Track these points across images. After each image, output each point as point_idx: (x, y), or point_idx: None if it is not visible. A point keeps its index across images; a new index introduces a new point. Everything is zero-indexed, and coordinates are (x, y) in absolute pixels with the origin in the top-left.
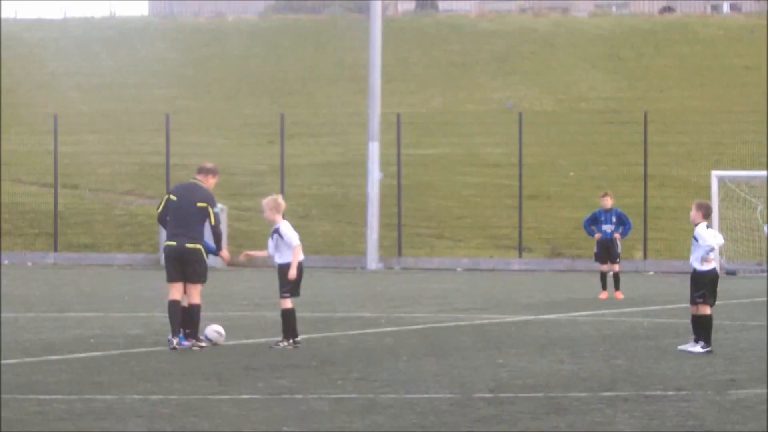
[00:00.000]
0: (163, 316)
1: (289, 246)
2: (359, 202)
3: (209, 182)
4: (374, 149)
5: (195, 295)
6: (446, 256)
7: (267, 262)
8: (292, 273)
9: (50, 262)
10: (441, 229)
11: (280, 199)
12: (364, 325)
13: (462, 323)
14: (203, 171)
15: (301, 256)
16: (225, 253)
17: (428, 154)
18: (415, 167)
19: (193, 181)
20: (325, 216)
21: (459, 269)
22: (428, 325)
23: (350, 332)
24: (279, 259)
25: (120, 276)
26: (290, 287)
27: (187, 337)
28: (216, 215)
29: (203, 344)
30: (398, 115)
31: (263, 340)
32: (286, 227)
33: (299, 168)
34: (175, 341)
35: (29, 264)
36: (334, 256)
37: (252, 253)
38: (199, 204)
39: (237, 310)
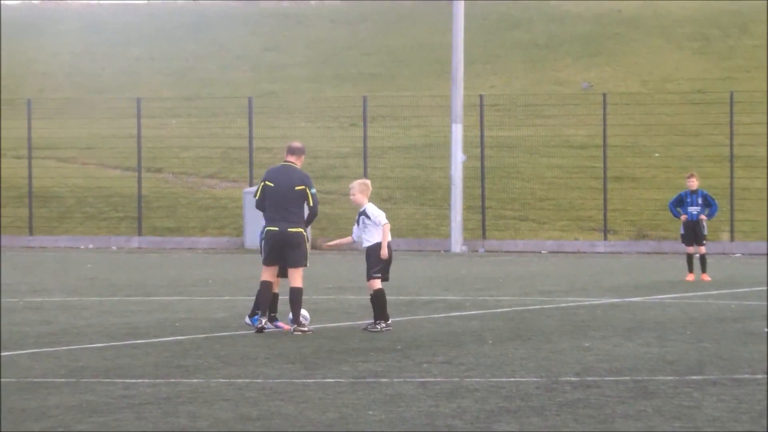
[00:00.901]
0: (247, 299)
1: (377, 225)
2: (443, 185)
3: (300, 161)
4: (457, 131)
5: (298, 278)
6: (530, 239)
7: (352, 246)
8: (384, 251)
9: (135, 246)
10: (525, 212)
11: (369, 182)
12: (448, 309)
13: (547, 306)
14: (294, 151)
15: (389, 237)
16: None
17: (511, 135)
18: (499, 149)
19: (285, 164)
20: (409, 199)
21: (543, 252)
22: (513, 309)
23: (435, 316)
24: (367, 241)
25: (204, 259)
26: (380, 268)
27: (272, 321)
28: (314, 196)
29: (305, 329)
30: (481, 97)
31: (347, 323)
32: (372, 208)
33: (382, 151)
34: (264, 321)
35: (113, 248)
36: (417, 239)
37: (333, 243)
38: (298, 187)
39: (321, 294)
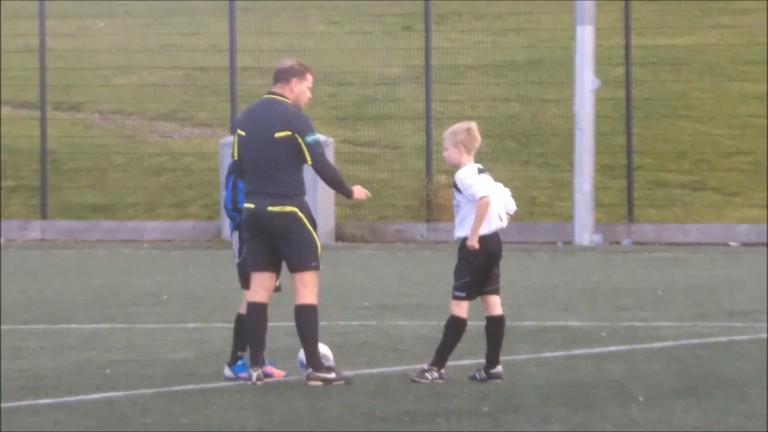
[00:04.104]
0: (226, 328)
1: (470, 200)
2: (560, 130)
3: (297, 93)
4: (586, 38)
5: (307, 290)
6: (710, 222)
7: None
8: (472, 241)
9: (35, 237)
10: (701, 176)
11: (474, 128)
12: (570, 342)
13: (738, 338)
14: (282, 76)
15: (494, 221)
16: (360, 190)
17: (677, 45)
18: (656, 68)
19: (268, 97)
20: (503, 154)
21: (733, 244)
22: (680, 343)
23: (546, 354)
24: (459, 230)
25: (154, 259)
26: (467, 282)
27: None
28: (312, 146)
29: (328, 375)
30: None
31: (398, 368)
32: (465, 172)
33: (456, 72)
34: (257, 370)
35: None
36: (517, 224)
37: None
38: (279, 134)
39: (352, 317)
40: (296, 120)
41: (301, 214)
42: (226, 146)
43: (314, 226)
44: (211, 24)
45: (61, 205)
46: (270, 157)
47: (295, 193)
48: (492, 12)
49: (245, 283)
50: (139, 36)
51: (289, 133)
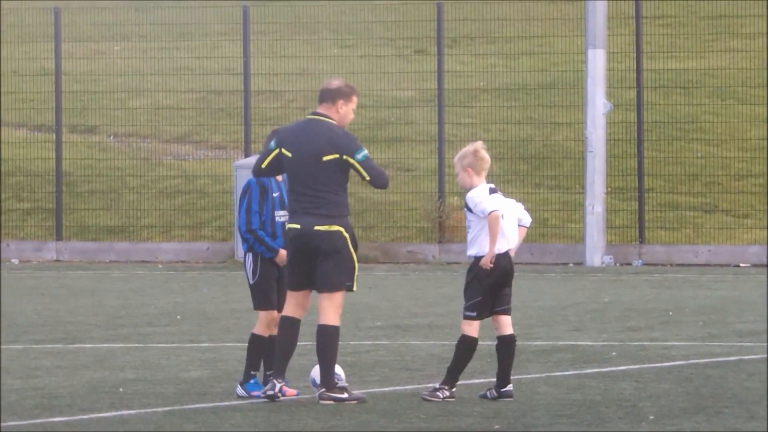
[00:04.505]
0: (239, 348)
1: (480, 219)
2: (572, 153)
3: (341, 114)
4: (598, 62)
5: (332, 311)
6: (721, 243)
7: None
8: (487, 260)
9: (50, 259)
10: (712, 198)
11: (480, 149)
12: (581, 362)
13: (748, 358)
14: (329, 96)
15: (506, 240)
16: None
17: (689, 69)
18: (667, 92)
19: (312, 118)
20: (515, 176)
21: (744, 265)
22: (691, 362)
23: (557, 374)
24: (470, 249)
25: (168, 279)
26: (478, 302)
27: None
28: (365, 163)
29: (340, 395)
30: (637, 4)
31: (410, 387)
32: (477, 192)
33: (469, 95)
34: (278, 385)
35: (14, 261)
36: (529, 245)
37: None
38: (327, 157)
39: (365, 338)
40: (344, 141)
41: (346, 234)
42: (241, 168)
43: (356, 247)
44: (225, 47)
45: (76, 226)
46: (318, 179)
47: (341, 213)
48: (504, 35)
49: (259, 304)
50: (153, 59)
51: (337, 156)
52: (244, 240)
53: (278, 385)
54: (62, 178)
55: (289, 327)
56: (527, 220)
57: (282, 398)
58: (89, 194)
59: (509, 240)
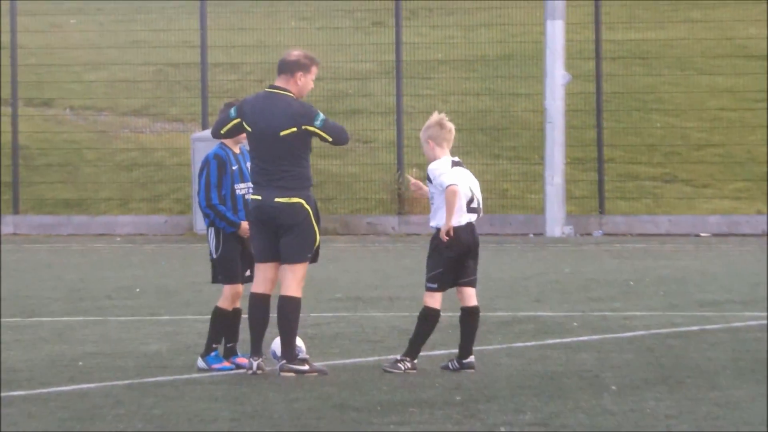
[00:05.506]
0: (200, 320)
1: (441, 192)
2: (531, 124)
3: (300, 85)
4: (556, 33)
5: (293, 282)
6: (681, 213)
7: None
8: (443, 233)
9: (8, 232)
10: (672, 168)
11: (444, 120)
12: (542, 333)
13: (710, 328)
14: (287, 68)
15: (463, 213)
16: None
17: (647, 39)
18: (626, 62)
19: (270, 91)
20: (474, 147)
21: (704, 234)
22: (652, 332)
23: (518, 344)
24: (432, 220)
25: (126, 253)
26: (439, 273)
27: (228, 356)
28: (326, 126)
29: (301, 367)
30: None
31: (371, 359)
32: (439, 164)
33: (428, 67)
34: (256, 360)
35: None
36: (490, 216)
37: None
38: (284, 132)
39: (326, 309)
40: (300, 111)
41: (307, 206)
42: (198, 141)
43: (318, 219)
44: (182, 20)
45: (33, 200)
46: (278, 154)
47: (303, 185)
48: (462, 7)
49: (224, 278)
50: (110, 32)
51: (296, 129)
52: (205, 215)
53: (255, 363)
54: (19, 152)
55: (260, 303)
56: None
57: (240, 371)
58: (46, 167)
59: (472, 213)
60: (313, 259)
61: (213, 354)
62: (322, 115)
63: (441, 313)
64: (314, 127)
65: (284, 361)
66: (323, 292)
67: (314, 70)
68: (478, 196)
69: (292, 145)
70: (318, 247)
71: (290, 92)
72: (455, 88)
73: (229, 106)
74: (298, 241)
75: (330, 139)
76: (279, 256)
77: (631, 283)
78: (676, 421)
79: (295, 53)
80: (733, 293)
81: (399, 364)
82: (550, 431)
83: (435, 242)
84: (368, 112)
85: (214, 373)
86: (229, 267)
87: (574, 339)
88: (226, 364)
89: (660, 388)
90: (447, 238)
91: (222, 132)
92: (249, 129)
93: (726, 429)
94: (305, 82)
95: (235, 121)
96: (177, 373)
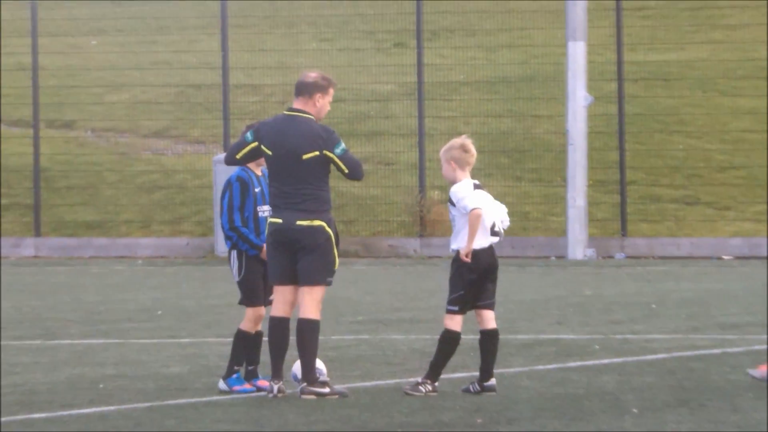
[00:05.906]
0: (222, 343)
1: (462, 215)
2: (553, 146)
3: (318, 107)
4: (578, 54)
5: (312, 305)
6: (703, 236)
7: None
8: (462, 255)
9: (28, 255)
10: (694, 190)
11: (468, 144)
12: (563, 355)
13: (732, 351)
14: (305, 90)
15: (486, 235)
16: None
17: (670, 60)
18: (648, 84)
19: (289, 114)
20: (496, 169)
21: (726, 257)
22: (673, 355)
23: (539, 367)
24: (453, 243)
25: (147, 275)
26: (460, 296)
27: (249, 378)
28: (344, 157)
29: (322, 390)
30: None
31: (391, 382)
32: (461, 186)
33: (449, 89)
34: (277, 383)
35: None
36: (510, 238)
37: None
38: (306, 155)
39: (346, 332)
40: (323, 136)
41: (329, 229)
42: (220, 163)
43: (338, 242)
44: (203, 41)
45: (54, 222)
46: (299, 176)
47: (323, 208)
48: (484, 28)
49: (246, 300)
50: (131, 53)
51: (318, 153)
52: (228, 238)
53: (275, 387)
54: (40, 174)
55: (280, 326)
56: (506, 223)
57: (261, 394)
58: (67, 190)
59: (493, 236)
60: (330, 282)
61: (234, 376)
62: (343, 144)
63: (462, 336)
64: (334, 154)
65: (305, 384)
66: (344, 314)
67: (331, 91)
68: (505, 219)
69: (313, 168)
70: (335, 270)
71: (310, 114)
72: (477, 110)
73: (249, 128)
74: (317, 263)
75: (346, 171)
76: (295, 278)
77: (653, 305)
78: None
79: (313, 75)
80: (754, 316)
81: (420, 387)
82: None
83: (456, 264)
84: (390, 133)
85: (235, 396)
86: (251, 289)
87: (596, 362)
88: (247, 386)
89: (681, 410)
90: (466, 259)
91: (238, 157)
92: (269, 152)
93: None
94: (323, 104)
95: (252, 145)
96: (197, 395)
